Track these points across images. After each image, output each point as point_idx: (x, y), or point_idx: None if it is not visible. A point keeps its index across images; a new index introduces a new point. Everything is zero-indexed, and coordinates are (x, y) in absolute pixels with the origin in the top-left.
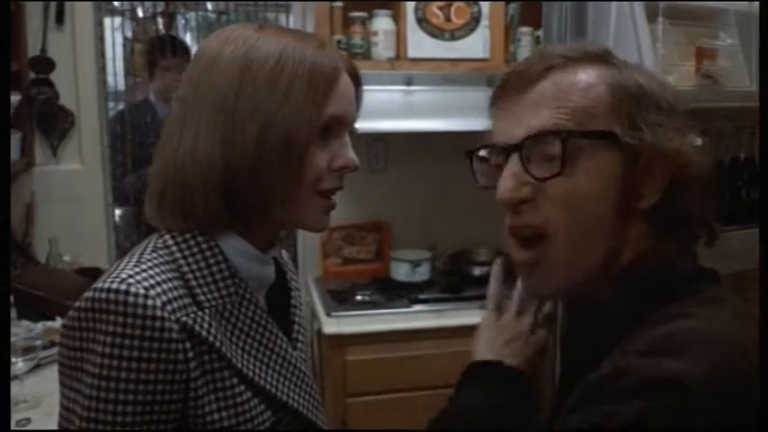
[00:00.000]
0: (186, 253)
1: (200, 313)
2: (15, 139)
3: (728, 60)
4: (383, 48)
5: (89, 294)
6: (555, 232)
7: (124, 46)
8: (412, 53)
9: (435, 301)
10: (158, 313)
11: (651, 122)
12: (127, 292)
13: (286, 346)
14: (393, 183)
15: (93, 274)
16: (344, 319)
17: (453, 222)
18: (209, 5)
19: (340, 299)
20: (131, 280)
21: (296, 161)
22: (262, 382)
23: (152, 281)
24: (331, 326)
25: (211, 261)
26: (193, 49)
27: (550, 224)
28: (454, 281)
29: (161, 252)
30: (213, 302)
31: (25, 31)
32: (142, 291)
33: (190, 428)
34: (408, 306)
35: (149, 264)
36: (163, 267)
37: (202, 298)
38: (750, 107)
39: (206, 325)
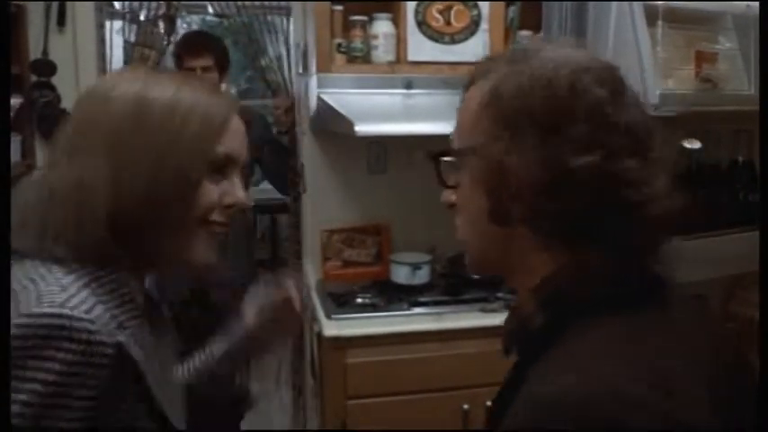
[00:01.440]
0: (93, 277)
1: (126, 334)
2: (16, 141)
3: (727, 64)
4: (383, 51)
5: (25, 320)
6: (463, 239)
7: (124, 49)
8: (412, 56)
9: (435, 303)
10: (99, 338)
11: (508, 135)
12: (70, 317)
13: (170, 365)
14: (393, 185)
15: None
16: (344, 321)
17: (453, 225)
18: (210, 9)
19: (340, 301)
20: (70, 304)
21: (187, 194)
22: (161, 402)
23: (86, 305)
24: (331, 328)
25: (115, 285)
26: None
27: (459, 231)
28: (454, 284)
29: (74, 276)
30: (129, 323)
31: (26, 34)
32: (84, 315)
33: None
34: (408, 309)
35: (74, 289)
36: (85, 293)
37: (122, 319)
38: (748, 110)
39: (134, 345)
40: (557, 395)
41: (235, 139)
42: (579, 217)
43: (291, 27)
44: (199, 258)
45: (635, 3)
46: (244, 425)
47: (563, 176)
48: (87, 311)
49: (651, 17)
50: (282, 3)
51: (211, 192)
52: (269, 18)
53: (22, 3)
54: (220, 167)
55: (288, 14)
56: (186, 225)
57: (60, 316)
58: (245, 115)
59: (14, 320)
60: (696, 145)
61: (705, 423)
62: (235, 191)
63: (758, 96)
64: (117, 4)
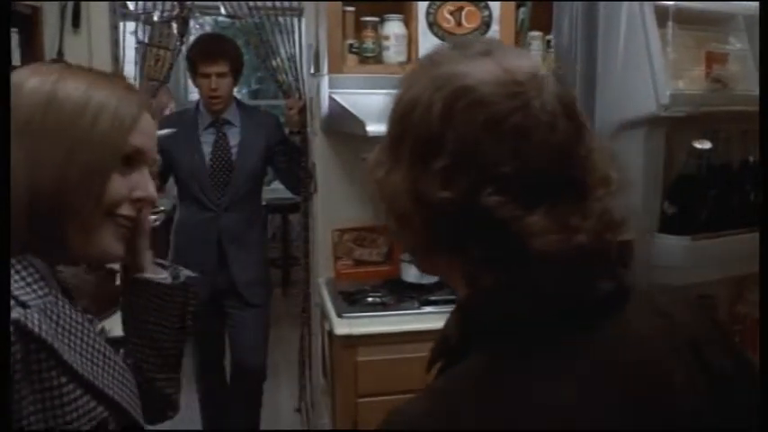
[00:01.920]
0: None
1: (27, 311)
2: None
3: (738, 65)
4: (395, 52)
5: None
6: None
7: (137, 50)
8: None
9: (445, 302)
10: None
11: (388, 159)
12: None
13: (102, 341)
14: None
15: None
16: (355, 320)
17: None
18: (223, 9)
19: (351, 300)
20: None
21: (98, 185)
22: (91, 378)
23: None
24: (342, 327)
25: (18, 267)
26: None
27: None
28: None
29: None
30: (35, 302)
31: (42, 35)
32: None
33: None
34: (419, 307)
35: None
36: None
37: (24, 298)
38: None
39: (36, 322)
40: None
41: (145, 135)
42: (454, 248)
43: (303, 28)
44: (105, 250)
45: (645, 3)
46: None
47: (425, 208)
48: None
49: (661, 18)
50: (294, 3)
51: (120, 185)
52: (281, 19)
53: (37, 4)
54: (130, 162)
55: (300, 15)
56: (93, 217)
57: None
58: (260, 116)
59: None
60: (706, 145)
61: None
62: (145, 185)
63: (759, 96)
64: (131, 5)
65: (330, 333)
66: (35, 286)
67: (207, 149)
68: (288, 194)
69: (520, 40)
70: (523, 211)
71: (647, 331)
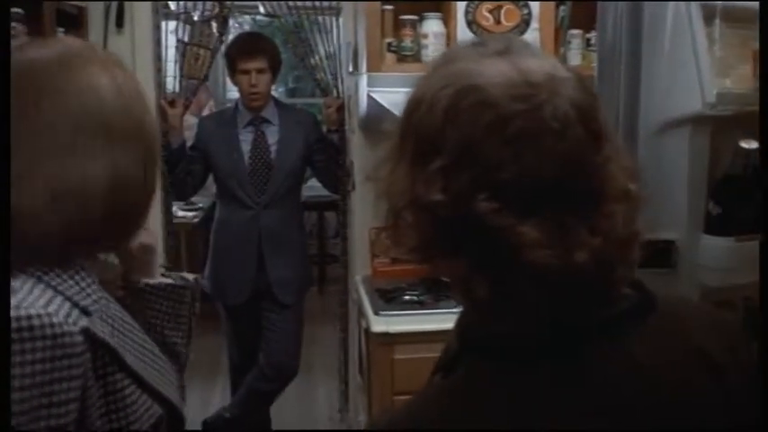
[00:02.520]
0: (45, 269)
1: (91, 319)
2: None
3: None
4: (433, 50)
5: None
6: None
7: (177, 48)
8: None
9: None
10: (66, 329)
11: (394, 157)
12: (29, 317)
13: (147, 339)
14: None
15: None
16: (392, 318)
17: None
18: (262, 9)
19: (388, 298)
20: (25, 303)
21: (154, 179)
22: (148, 378)
23: (42, 300)
24: (379, 324)
25: (71, 272)
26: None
27: None
28: None
29: (22, 277)
30: (93, 307)
31: (87, 34)
32: (42, 311)
33: None
34: (456, 306)
35: (26, 288)
36: (38, 287)
37: (84, 304)
38: None
39: (100, 327)
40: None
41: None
42: (451, 255)
43: (341, 26)
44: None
45: (692, 3)
46: (293, 413)
47: (421, 210)
48: (44, 306)
49: (708, 16)
50: (333, 3)
51: None
52: (319, 18)
53: (83, 4)
54: None
55: (338, 14)
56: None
57: (18, 318)
58: (298, 114)
59: None
60: (753, 145)
61: None
62: None
63: (759, 96)
64: (172, 5)
65: (367, 331)
66: (89, 290)
67: (246, 148)
68: (324, 192)
69: (559, 38)
70: (517, 221)
71: (645, 359)
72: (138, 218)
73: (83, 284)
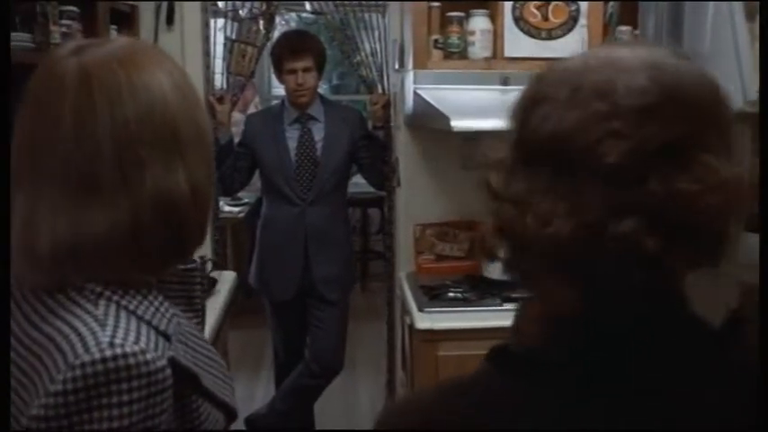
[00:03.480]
0: (121, 293)
1: (173, 344)
2: None
3: None
4: (480, 47)
5: (77, 373)
6: None
7: (224, 45)
8: (509, 52)
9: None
10: (158, 364)
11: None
12: (125, 355)
13: (209, 345)
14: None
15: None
16: (436, 314)
17: None
18: (308, 6)
19: (432, 295)
20: (117, 340)
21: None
22: (214, 391)
23: (133, 335)
24: (423, 321)
25: (144, 291)
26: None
27: None
28: None
29: (102, 303)
30: (171, 329)
31: (138, 32)
32: (137, 348)
33: None
34: (500, 304)
35: (112, 320)
36: (124, 318)
37: (163, 328)
38: None
39: (182, 352)
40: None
41: None
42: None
43: (387, 23)
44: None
45: (734, 2)
46: (336, 409)
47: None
48: (136, 340)
49: (750, 13)
50: (379, 0)
51: None
52: (365, 15)
53: (135, 2)
54: None
55: (383, 11)
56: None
57: (115, 358)
58: (343, 111)
59: (60, 376)
60: None
61: None
62: None
63: (759, 96)
64: (220, 3)
65: (411, 327)
66: (162, 309)
67: (292, 145)
68: (368, 188)
69: (608, 34)
70: (666, 244)
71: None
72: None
73: (156, 304)
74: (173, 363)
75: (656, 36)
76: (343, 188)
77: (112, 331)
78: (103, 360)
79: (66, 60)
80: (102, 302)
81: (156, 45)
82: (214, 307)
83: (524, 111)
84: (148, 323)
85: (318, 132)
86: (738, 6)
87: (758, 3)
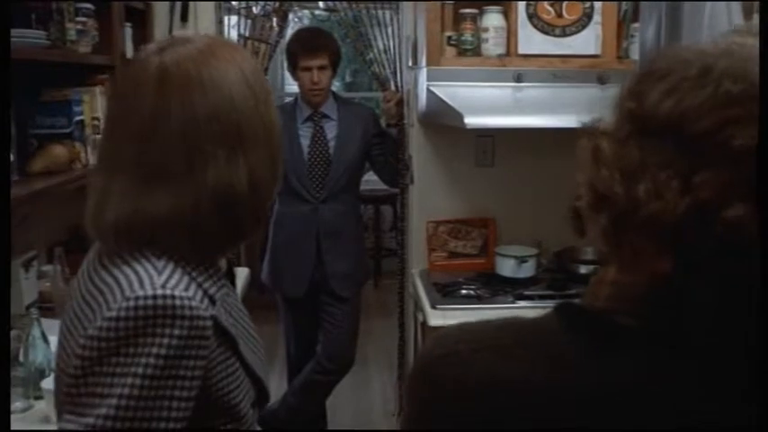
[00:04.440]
0: (177, 258)
1: (217, 307)
2: None
3: None
4: (493, 44)
5: (131, 303)
6: None
7: (238, 42)
8: (522, 49)
9: (540, 297)
10: (201, 313)
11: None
12: (173, 297)
13: (252, 326)
14: (500, 179)
15: None
16: (449, 311)
17: (560, 219)
18: (321, 3)
19: (445, 292)
20: (169, 285)
21: (276, 180)
22: (253, 365)
23: (183, 284)
24: (436, 318)
25: (200, 259)
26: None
27: None
28: (559, 278)
29: (165, 258)
30: (217, 295)
31: (153, 30)
32: (184, 294)
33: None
34: (513, 302)
35: (169, 271)
36: (179, 272)
37: (211, 292)
38: None
39: (224, 316)
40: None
41: None
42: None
43: (400, 20)
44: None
45: (732, 2)
46: (348, 405)
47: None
48: (185, 289)
49: (747, 11)
50: None
51: None
52: (378, 12)
53: (149, 1)
54: None
55: (396, 8)
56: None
57: (164, 297)
58: (356, 108)
59: (116, 305)
60: None
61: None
62: None
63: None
64: (234, 1)
65: (424, 324)
66: (215, 278)
67: (305, 143)
68: (381, 186)
69: (622, 31)
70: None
71: None
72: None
73: (210, 272)
74: (214, 321)
75: (656, 35)
76: (355, 185)
77: (167, 278)
78: (154, 297)
79: (150, 58)
80: (163, 259)
81: (234, 43)
82: None
83: (644, 83)
84: (199, 284)
85: (331, 130)
86: (736, 5)
87: (757, 2)
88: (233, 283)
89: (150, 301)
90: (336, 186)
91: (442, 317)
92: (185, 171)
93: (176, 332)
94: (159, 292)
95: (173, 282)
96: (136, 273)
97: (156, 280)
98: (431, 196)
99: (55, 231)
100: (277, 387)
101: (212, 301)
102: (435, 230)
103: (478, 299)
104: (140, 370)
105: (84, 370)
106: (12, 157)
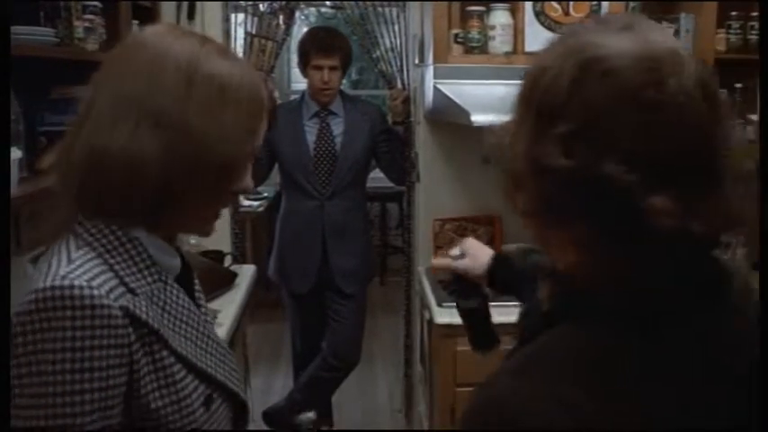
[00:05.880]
0: (109, 247)
1: (135, 299)
2: None
3: None
4: (500, 42)
5: (32, 297)
6: None
7: (244, 40)
8: (529, 47)
9: None
10: (104, 302)
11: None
12: (71, 287)
13: (207, 325)
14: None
15: (216, 255)
16: (455, 309)
17: None
18: (328, 1)
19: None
20: (72, 275)
21: (229, 180)
22: (194, 359)
23: (89, 274)
24: (442, 316)
25: (133, 252)
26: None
27: None
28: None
29: (85, 249)
30: (143, 289)
31: None
32: (84, 283)
33: (132, 411)
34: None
35: (80, 261)
36: (92, 263)
37: (133, 285)
38: None
39: (144, 308)
40: (479, 401)
41: (262, 131)
42: (567, 216)
43: (407, 18)
44: (205, 231)
45: None
46: (354, 402)
47: (542, 173)
48: (90, 279)
49: None
50: None
51: (244, 181)
52: (385, 10)
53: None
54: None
55: (403, 5)
56: (213, 205)
57: (62, 287)
58: (363, 106)
59: (24, 299)
60: None
61: None
62: (249, 178)
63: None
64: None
65: (430, 322)
66: (146, 272)
67: (311, 139)
68: (387, 183)
69: None
70: (648, 189)
71: (742, 320)
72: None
73: (141, 265)
74: (128, 312)
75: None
76: (361, 183)
77: (75, 267)
78: (53, 288)
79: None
80: (84, 249)
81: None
82: (233, 300)
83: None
84: (116, 274)
85: (337, 127)
86: None
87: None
88: (190, 280)
89: (49, 293)
90: (342, 183)
91: (449, 315)
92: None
93: (78, 323)
94: (57, 282)
95: (79, 272)
96: (49, 265)
97: (60, 270)
98: (437, 194)
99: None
100: (283, 384)
101: (132, 292)
102: (441, 228)
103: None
104: (47, 367)
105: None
106: (21, 155)
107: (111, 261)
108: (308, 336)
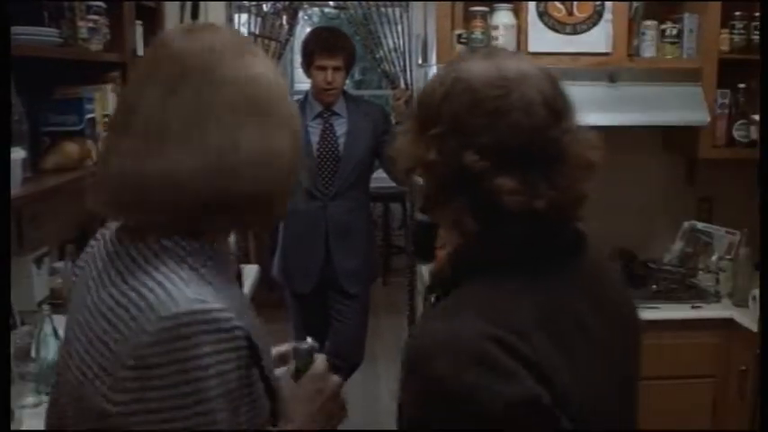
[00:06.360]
0: (201, 263)
1: (243, 319)
2: None
3: None
4: (504, 42)
5: (164, 324)
6: None
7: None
8: (533, 47)
9: None
10: (235, 323)
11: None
12: (210, 310)
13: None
14: None
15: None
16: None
17: None
18: (331, 2)
19: None
20: (201, 297)
21: (296, 167)
22: (273, 380)
23: (212, 296)
24: None
25: (221, 267)
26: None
27: None
28: None
29: (182, 266)
30: (232, 303)
31: (164, 26)
32: (218, 306)
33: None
34: None
35: (194, 279)
36: (199, 282)
37: (230, 303)
38: None
39: (250, 328)
40: (413, 345)
41: None
42: (446, 201)
43: (410, 18)
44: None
45: None
46: (357, 402)
47: (422, 167)
48: (215, 302)
49: None
50: None
51: None
52: (388, 10)
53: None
54: None
55: (407, 6)
56: (286, 194)
57: (203, 311)
58: (366, 106)
59: (149, 325)
60: None
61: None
62: None
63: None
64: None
65: None
66: (229, 285)
67: (314, 139)
68: (389, 183)
69: (633, 29)
70: (496, 173)
71: (598, 271)
72: (284, 198)
73: (224, 278)
74: (248, 337)
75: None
76: (365, 183)
77: (196, 288)
78: (192, 312)
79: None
80: (184, 267)
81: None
82: None
83: (420, 96)
84: (219, 297)
85: (341, 127)
86: None
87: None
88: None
89: (187, 318)
90: (345, 183)
91: None
92: (187, 133)
93: (222, 346)
94: (196, 306)
95: (204, 293)
96: (161, 285)
97: (187, 293)
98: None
99: (66, 228)
100: None
101: (239, 315)
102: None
103: None
104: (198, 395)
105: (127, 395)
106: (24, 154)
107: (209, 278)
108: (310, 335)
